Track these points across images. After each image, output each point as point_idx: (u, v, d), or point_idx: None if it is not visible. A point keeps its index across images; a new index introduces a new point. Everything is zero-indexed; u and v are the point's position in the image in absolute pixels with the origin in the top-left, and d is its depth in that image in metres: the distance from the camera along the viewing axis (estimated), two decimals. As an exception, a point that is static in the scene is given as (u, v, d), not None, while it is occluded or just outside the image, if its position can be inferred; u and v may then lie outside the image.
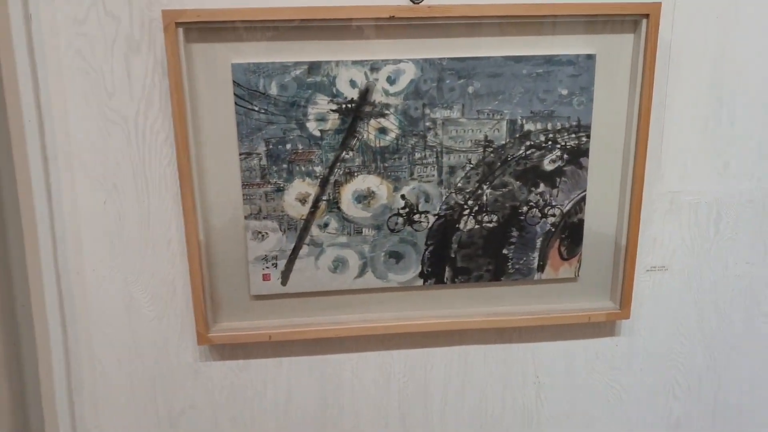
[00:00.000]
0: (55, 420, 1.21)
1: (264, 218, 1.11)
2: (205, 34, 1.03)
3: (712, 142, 1.19)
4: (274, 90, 1.05)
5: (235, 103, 1.06)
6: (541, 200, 1.15)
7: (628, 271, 1.19)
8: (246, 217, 1.11)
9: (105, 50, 1.07)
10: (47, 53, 1.06)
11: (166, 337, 1.20)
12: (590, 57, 1.09)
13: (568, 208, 1.16)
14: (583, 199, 1.16)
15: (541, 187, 1.15)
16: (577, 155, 1.14)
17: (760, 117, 1.19)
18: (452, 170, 1.12)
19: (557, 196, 1.15)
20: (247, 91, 1.05)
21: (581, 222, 1.17)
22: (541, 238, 1.18)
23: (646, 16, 1.07)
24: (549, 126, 1.11)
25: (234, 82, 1.05)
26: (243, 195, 1.10)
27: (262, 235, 1.12)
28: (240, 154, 1.08)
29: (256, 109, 1.06)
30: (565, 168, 1.14)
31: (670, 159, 1.19)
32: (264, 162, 1.09)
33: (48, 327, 1.16)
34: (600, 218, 1.18)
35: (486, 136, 1.11)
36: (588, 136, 1.13)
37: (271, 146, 1.08)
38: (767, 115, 1.19)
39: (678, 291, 1.27)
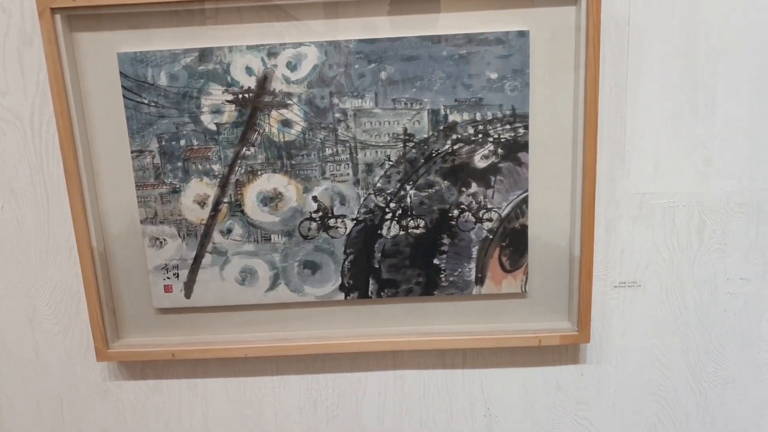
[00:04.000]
0: (-40, 440, 1.17)
1: (161, 223, 1.04)
2: (88, 21, 0.98)
3: (688, 134, 1.03)
4: (163, 80, 0.98)
5: (123, 96, 0.99)
6: (474, 202, 1.03)
7: (584, 286, 1.04)
8: (142, 222, 1.04)
9: (-3, 44, 1.03)
10: (-61, 48, 1.03)
11: (70, 353, 1.14)
12: (522, 34, 0.96)
13: (506, 211, 1.03)
14: (525, 201, 1.02)
15: (474, 187, 1.02)
16: (514, 150, 1.00)
17: (746, 101, 1.02)
18: (369, 168, 1.01)
19: (493, 197, 1.02)
20: (135, 82, 0.98)
21: (524, 228, 1.04)
22: (477, 247, 1.04)
23: (586, -16, 0.93)
24: (478, 116, 0.99)
25: (121, 73, 0.98)
26: (137, 197, 1.03)
27: (160, 242, 1.04)
28: (132, 152, 1.01)
29: (146, 102, 0.99)
30: (500, 165, 1.01)
31: (636, 154, 1.04)
32: (157, 160, 1.01)
33: (-54, 339, 1.12)
34: (547, 224, 1.04)
35: (405, 129, 1.00)
36: (526, 127, 0.99)
37: (163, 142, 1.01)
38: (756, 100, 1.01)
39: (656, 311, 1.10)
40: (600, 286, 1.09)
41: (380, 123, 1.00)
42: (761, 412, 1.14)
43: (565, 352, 1.12)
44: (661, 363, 1.13)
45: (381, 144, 1.01)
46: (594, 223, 1.02)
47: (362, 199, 1.03)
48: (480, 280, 1.06)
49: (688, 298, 1.10)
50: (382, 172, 1.02)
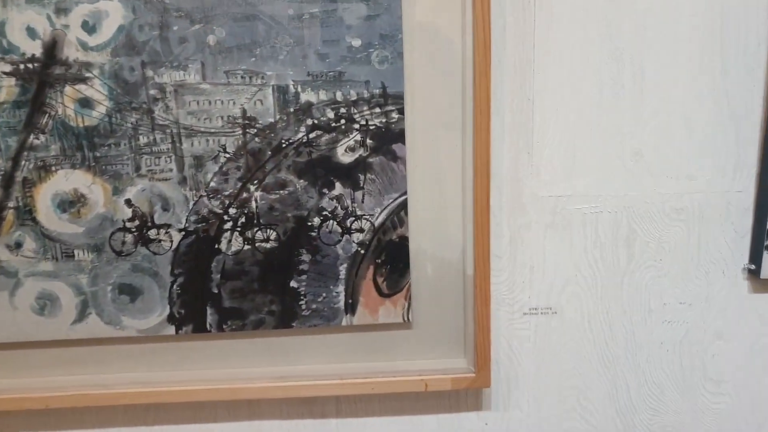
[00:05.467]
0: None
1: (-75, 235, 0.81)
2: None
3: (612, 121, 0.84)
4: None
5: None
6: (339, 208, 0.82)
7: (480, 314, 0.84)
8: None
9: None
10: None
11: None
12: (392, -12, 0.76)
13: (381, 219, 0.82)
14: (404, 206, 0.82)
15: (338, 188, 0.81)
16: (387, 140, 0.80)
17: (683, 78, 0.83)
18: (199, 162, 0.80)
19: (363, 201, 0.82)
20: None
21: (404, 240, 0.83)
22: (345, 265, 0.84)
23: None
24: (338, 95, 0.78)
25: None
26: None
27: (-73, 260, 0.81)
28: None
29: None
30: (370, 159, 0.80)
31: (547, 146, 0.84)
32: None
33: None
34: (433, 235, 0.83)
35: (244, 111, 0.78)
36: (401, 111, 0.79)
37: None
38: (694, 76, 0.82)
39: (576, 345, 0.91)
40: (505, 313, 0.89)
41: (210, 103, 0.78)
42: (708, 468, 0.95)
43: (465, 396, 0.92)
44: (584, 408, 0.93)
45: (213, 130, 0.79)
46: (489, 233, 0.81)
47: (192, 203, 0.81)
48: (351, 308, 0.85)
49: (617, 328, 0.90)
50: (217, 168, 0.80)
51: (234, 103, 0.79)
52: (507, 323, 0.90)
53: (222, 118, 0.79)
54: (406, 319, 0.86)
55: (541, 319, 0.90)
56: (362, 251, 0.84)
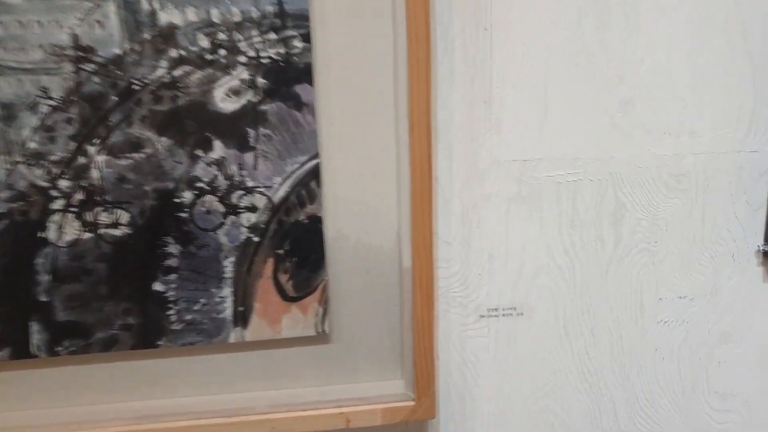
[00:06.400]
0: None
1: None
2: None
3: (594, 61, 0.64)
4: None
5: None
6: (221, 177, 0.59)
7: (420, 319, 0.62)
8: None
9: None
10: None
11: None
12: None
13: (282, 192, 0.60)
14: (315, 173, 0.59)
15: (218, 149, 0.58)
16: (288, 79, 0.57)
17: (684, 8, 0.64)
18: (10, 113, 0.55)
19: (256, 167, 0.59)
20: None
21: (316, 222, 0.61)
22: (232, 258, 0.61)
23: None
24: (215, 15, 0.55)
25: None
26: None
27: None
28: None
29: None
30: (263, 107, 0.58)
31: (510, 95, 0.63)
32: None
33: None
34: (357, 212, 0.61)
35: (76, 38, 0.54)
36: (306, 38, 0.56)
37: None
38: (701, 4, 0.63)
39: (548, 354, 0.72)
40: (456, 315, 0.69)
41: (23, 25, 0.54)
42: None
43: (404, 429, 0.71)
44: (558, 438, 0.74)
45: (29, 66, 0.55)
46: (433, 210, 0.60)
47: (2, 173, 0.56)
48: (242, 318, 0.63)
49: (600, 332, 0.72)
50: (37, 122, 0.56)
51: (60, 25, 0.54)
52: (459, 329, 0.69)
53: (42, 47, 0.55)
54: (320, 330, 0.64)
55: (504, 323, 0.70)
56: (256, 239, 0.61)
